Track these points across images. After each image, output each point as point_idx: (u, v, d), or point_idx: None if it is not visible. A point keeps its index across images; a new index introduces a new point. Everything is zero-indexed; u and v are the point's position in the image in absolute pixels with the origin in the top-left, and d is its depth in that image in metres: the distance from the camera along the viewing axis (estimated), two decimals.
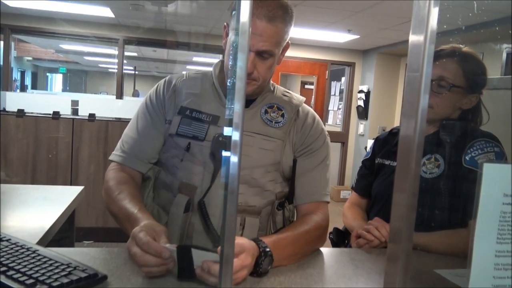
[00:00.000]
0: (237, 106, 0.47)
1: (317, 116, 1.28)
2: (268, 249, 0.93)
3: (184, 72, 1.28)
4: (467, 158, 1.23)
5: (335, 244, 1.47)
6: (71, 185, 3.58)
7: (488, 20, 3.31)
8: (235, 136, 0.48)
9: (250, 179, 1.16)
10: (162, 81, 1.27)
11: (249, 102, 1.20)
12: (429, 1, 0.47)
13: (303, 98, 1.29)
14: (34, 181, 3.57)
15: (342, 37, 5.32)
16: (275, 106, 1.22)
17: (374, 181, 1.46)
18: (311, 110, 1.29)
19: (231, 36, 1.12)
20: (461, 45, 1.35)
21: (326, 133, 1.27)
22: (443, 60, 1.31)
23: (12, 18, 5.25)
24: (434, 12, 0.47)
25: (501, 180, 0.54)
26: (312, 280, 0.94)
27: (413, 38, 0.48)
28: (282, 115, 1.21)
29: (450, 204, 1.24)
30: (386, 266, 0.55)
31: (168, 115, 1.21)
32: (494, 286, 0.55)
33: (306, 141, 1.23)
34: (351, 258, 1.12)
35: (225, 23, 1.17)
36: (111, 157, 1.24)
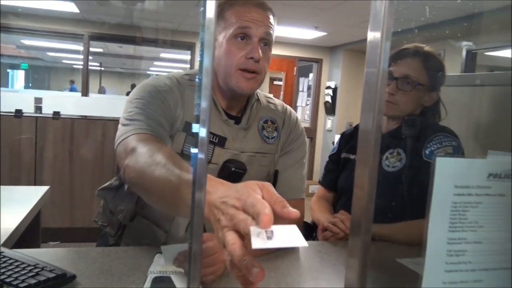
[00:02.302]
0: (204, 103, 0.49)
1: (297, 116, 1.32)
2: None
3: (171, 75, 1.16)
4: (426, 152, 1.29)
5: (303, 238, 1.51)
6: (35, 185, 3.49)
7: (448, 19, 3.43)
8: (202, 133, 0.49)
9: None
10: (167, 79, 1.13)
11: (239, 116, 1.18)
12: (385, 1, 0.49)
13: (280, 101, 1.32)
14: None
15: (309, 34, 5.38)
16: (269, 120, 1.23)
17: (340, 175, 1.51)
18: (292, 110, 1.32)
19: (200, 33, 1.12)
20: (423, 45, 1.41)
21: (304, 132, 1.31)
22: (407, 59, 1.37)
23: None
24: (390, 11, 0.49)
25: (453, 172, 0.57)
26: (280, 273, 0.96)
27: (371, 35, 0.50)
28: (276, 129, 1.23)
29: (411, 196, 1.29)
30: (347, 258, 0.57)
31: (173, 129, 1.10)
32: (447, 271, 0.58)
33: (288, 141, 1.26)
34: (318, 251, 1.15)
35: None
36: (127, 134, 1.00)
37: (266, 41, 1.11)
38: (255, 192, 0.60)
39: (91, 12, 4.98)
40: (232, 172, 1.12)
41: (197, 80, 0.49)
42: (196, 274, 0.52)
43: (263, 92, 1.34)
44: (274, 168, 1.24)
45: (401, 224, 1.26)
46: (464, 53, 4.27)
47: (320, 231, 1.28)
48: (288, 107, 1.31)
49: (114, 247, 1.10)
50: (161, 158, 0.85)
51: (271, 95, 1.34)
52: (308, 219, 1.56)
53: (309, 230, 1.52)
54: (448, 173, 0.57)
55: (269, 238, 0.53)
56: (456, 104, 1.47)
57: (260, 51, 1.08)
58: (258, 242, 0.52)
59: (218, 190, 0.65)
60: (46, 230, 3.46)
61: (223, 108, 1.17)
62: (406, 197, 1.30)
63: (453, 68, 4.20)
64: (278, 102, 1.30)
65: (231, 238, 0.56)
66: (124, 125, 1.04)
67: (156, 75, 1.23)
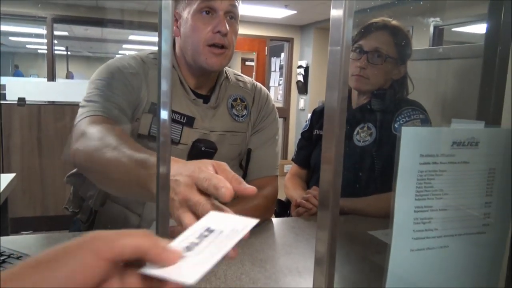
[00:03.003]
0: (164, 85, 0.47)
1: (268, 92, 1.31)
2: None
3: (134, 54, 1.14)
4: (395, 125, 1.31)
5: (277, 215, 1.52)
6: (3, 173, 3.39)
7: None
8: (164, 115, 0.48)
9: None
10: (132, 59, 1.11)
11: (208, 95, 1.17)
12: None
13: (250, 78, 1.30)
14: None
15: (279, 12, 5.34)
16: (239, 98, 1.21)
17: (313, 152, 1.52)
18: (263, 87, 1.31)
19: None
20: (390, 19, 1.41)
21: (276, 109, 1.30)
22: (376, 32, 1.38)
23: None
24: None
25: (418, 141, 0.58)
26: (254, 249, 0.97)
27: (334, 13, 0.50)
28: (245, 107, 1.22)
29: (382, 169, 1.31)
30: (317, 231, 0.58)
31: (138, 111, 1.08)
32: (414, 238, 0.60)
33: (259, 118, 1.25)
34: (291, 227, 1.16)
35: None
36: (82, 116, 0.98)
37: (232, 14, 1.09)
38: (207, 169, 0.60)
39: None
40: (202, 152, 1.10)
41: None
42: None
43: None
44: (247, 146, 1.23)
45: (373, 198, 1.28)
46: (431, 29, 4.33)
47: (293, 208, 1.29)
48: (258, 84, 1.30)
49: (86, 232, 1.08)
50: (111, 140, 0.83)
51: (240, 73, 1.32)
52: (282, 196, 1.57)
53: (283, 208, 1.54)
54: (413, 143, 0.58)
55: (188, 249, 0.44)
56: (423, 78, 1.50)
57: (226, 25, 1.06)
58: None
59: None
60: (17, 219, 3.39)
61: (190, 88, 1.15)
62: (377, 170, 1.32)
63: (421, 44, 4.26)
64: (248, 79, 1.29)
65: (189, 220, 0.57)
66: (81, 106, 1.02)
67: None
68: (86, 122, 0.95)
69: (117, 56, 1.16)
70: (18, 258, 0.78)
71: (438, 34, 4.35)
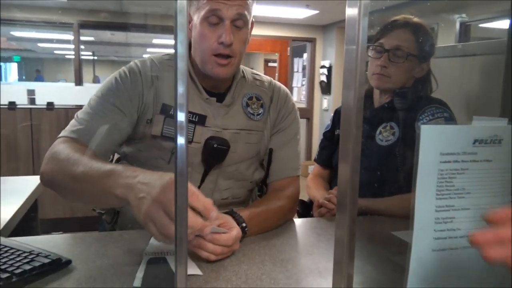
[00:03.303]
0: (181, 88, 0.48)
1: (288, 91, 1.30)
2: (245, 225, 0.98)
3: (148, 56, 1.17)
4: (419, 124, 1.29)
5: (300, 215, 1.52)
6: (34, 175, 3.49)
7: None
8: (181, 117, 0.49)
9: (237, 173, 1.18)
10: (134, 66, 1.13)
11: (223, 93, 1.17)
12: None
13: (268, 77, 1.30)
14: None
15: (301, 12, 5.32)
16: (254, 97, 1.21)
17: (335, 152, 1.51)
18: (282, 85, 1.30)
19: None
20: (411, 16, 1.39)
21: (296, 107, 1.29)
22: (397, 30, 1.36)
23: None
24: None
25: (438, 140, 0.57)
26: (275, 250, 0.97)
27: (349, 12, 0.50)
28: (262, 105, 1.21)
29: (405, 169, 1.30)
30: (335, 232, 0.58)
31: (148, 112, 1.11)
32: (436, 238, 0.59)
33: (279, 118, 1.24)
34: (313, 227, 1.16)
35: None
36: (61, 134, 1.07)
37: (240, 22, 1.07)
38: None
39: (79, 0, 4.91)
40: (215, 149, 1.10)
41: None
42: (183, 258, 0.51)
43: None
44: (266, 146, 1.23)
45: (396, 198, 1.27)
46: (457, 25, 4.23)
47: (315, 208, 1.29)
48: (277, 83, 1.29)
49: (110, 231, 1.11)
50: (76, 156, 0.92)
51: (258, 72, 1.32)
52: (305, 197, 1.57)
53: (305, 208, 1.53)
54: (433, 141, 0.57)
55: None
56: (447, 76, 1.47)
57: (231, 35, 1.04)
58: None
59: (138, 175, 0.78)
60: (47, 221, 3.49)
61: (204, 87, 1.15)
62: (401, 170, 1.30)
63: (447, 41, 4.18)
64: (266, 78, 1.28)
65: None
66: (75, 119, 1.09)
67: None
68: (58, 142, 1.03)
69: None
70: (46, 256, 0.80)
71: (465, 31, 4.25)
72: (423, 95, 1.39)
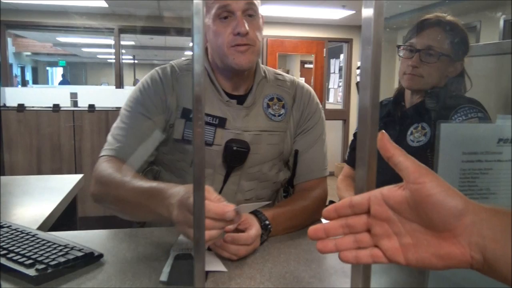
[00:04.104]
0: (197, 89, 0.49)
1: (312, 90, 1.28)
2: (268, 223, 0.99)
3: (172, 62, 1.20)
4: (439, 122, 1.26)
5: None
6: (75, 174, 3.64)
7: None
8: (197, 119, 0.49)
9: (260, 175, 1.18)
10: (155, 74, 1.17)
11: (243, 95, 1.18)
12: None
13: (292, 77, 1.29)
14: (39, 173, 3.63)
15: (337, 13, 5.28)
16: (275, 97, 1.21)
17: None
18: (305, 84, 1.29)
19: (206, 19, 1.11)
20: (444, 14, 1.36)
21: (321, 106, 1.28)
22: (429, 29, 1.33)
23: (6, 13, 5.25)
24: None
25: (460, 139, 0.56)
26: (300, 249, 0.97)
27: (365, 12, 0.50)
28: (283, 106, 1.21)
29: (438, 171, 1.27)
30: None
31: (171, 117, 1.14)
32: None
33: (303, 118, 1.23)
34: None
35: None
36: (102, 153, 1.13)
37: (251, 12, 1.08)
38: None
39: (119, 6, 5.07)
40: (235, 151, 1.11)
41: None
42: (201, 260, 0.52)
43: (288, 73, 1.32)
44: (290, 146, 1.22)
45: None
46: (501, 23, 4.08)
47: None
48: (300, 82, 1.28)
49: (141, 228, 1.14)
50: (120, 180, 0.99)
51: (281, 72, 1.31)
52: (335, 198, 1.56)
53: None
54: (454, 140, 0.56)
55: None
56: (482, 75, 1.42)
57: (246, 24, 1.05)
58: None
59: (175, 194, 0.82)
60: (85, 219, 3.62)
61: (224, 90, 1.16)
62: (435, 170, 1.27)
63: (490, 39, 4.03)
64: (288, 77, 1.27)
65: None
66: (109, 136, 1.15)
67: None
68: (101, 162, 1.09)
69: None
70: (79, 250, 0.84)
71: (509, 28, 4.09)
72: (456, 94, 1.35)
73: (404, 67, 1.34)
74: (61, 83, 12.96)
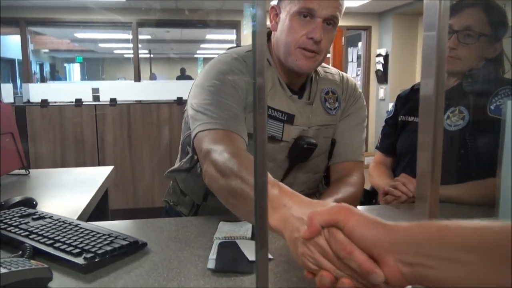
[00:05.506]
0: (260, 81, 0.46)
1: (355, 81, 1.30)
2: None
3: (230, 54, 1.13)
4: (491, 107, 1.22)
5: (361, 204, 1.49)
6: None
7: None
8: (260, 112, 0.47)
9: (314, 167, 1.20)
10: (234, 61, 1.10)
11: (298, 90, 1.18)
12: None
13: (335, 69, 1.30)
14: (63, 166, 3.68)
15: (355, 1, 5.20)
16: (330, 91, 1.21)
17: (398, 138, 1.46)
18: (349, 76, 1.30)
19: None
20: None
21: (363, 96, 1.29)
22: (467, 9, 1.29)
23: (25, 10, 5.31)
24: None
25: None
26: None
27: None
28: (337, 99, 1.22)
29: (477, 154, 1.23)
30: (415, 209, 0.56)
31: (245, 110, 1.08)
32: None
33: (348, 105, 1.25)
34: (379, 214, 1.12)
35: (272, 5, 1.14)
36: (199, 128, 1.01)
37: (331, 21, 1.06)
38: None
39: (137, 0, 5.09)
40: (304, 149, 1.11)
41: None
42: (265, 276, 0.50)
43: None
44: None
45: (469, 184, 1.21)
46: None
47: (381, 196, 1.26)
48: (345, 74, 1.29)
49: (179, 217, 1.14)
50: (236, 167, 0.85)
51: (326, 64, 1.31)
52: (366, 185, 1.53)
53: (367, 197, 1.50)
54: None
55: None
56: None
57: (321, 32, 1.03)
58: None
59: (293, 205, 0.68)
60: (112, 211, 3.67)
61: (286, 84, 1.15)
62: (472, 156, 1.24)
63: None
64: (335, 70, 1.28)
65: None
66: (198, 111, 1.03)
67: (218, 55, 1.17)
68: (209, 138, 0.97)
69: (217, 57, 1.14)
70: (124, 239, 0.84)
71: None
72: (495, 76, 1.31)
73: None
74: (56, 79, 13.22)
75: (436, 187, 0.54)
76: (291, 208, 0.67)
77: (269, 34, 1.17)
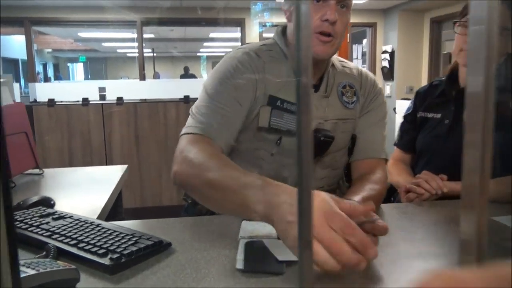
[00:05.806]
0: (304, 79, 0.44)
1: (374, 76, 1.29)
2: None
3: (244, 49, 1.14)
4: None
5: None
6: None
7: None
8: (304, 110, 0.45)
9: (333, 162, 1.19)
10: (244, 56, 1.11)
11: (317, 83, 1.17)
12: None
13: (354, 64, 1.29)
14: (71, 166, 3.67)
15: None
16: (347, 85, 1.20)
17: (418, 135, 1.44)
18: (368, 71, 1.29)
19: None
20: None
21: (383, 92, 1.28)
22: (489, 1, 1.26)
23: (29, 10, 5.30)
24: None
25: None
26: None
27: None
28: (354, 93, 1.21)
29: (502, 150, 1.21)
30: (461, 235, 0.54)
31: (257, 105, 1.10)
32: None
33: (367, 101, 1.24)
34: (403, 212, 1.11)
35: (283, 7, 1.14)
36: (184, 130, 1.05)
37: (344, 3, 1.06)
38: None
39: None
40: (321, 142, 1.10)
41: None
42: (309, 276, 0.48)
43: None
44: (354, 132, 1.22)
45: (496, 181, 1.19)
46: None
47: (403, 193, 1.24)
48: (363, 69, 1.28)
49: (199, 216, 1.12)
50: (212, 163, 0.89)
51: (343, 59, 1.30)
52: None
53: (387, 194, 1.48)
54: None
55: None
56: None
57: (336, 14, 1.03)
58: None
59: (281, 193, 0.72)
60: (127, 210, 3.65)
61: None
62: (497, 152, 1.22)
63: None
64: (353, 65, 1.27)
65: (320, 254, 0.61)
66: (191, 114, 1.08)
67: (225, 54, 1.18)
68: (187, 140, 1.01)
69: (228, 54, 1.15)
70: (148, 239, 0.82)
71: None
72: None
73: (461, 43, 1.28)
74: (56, 79, 13.24)
75: (485, 190, 0.51)
76: (280, 195, 0.70)
77: (283, 28, 1.19)
